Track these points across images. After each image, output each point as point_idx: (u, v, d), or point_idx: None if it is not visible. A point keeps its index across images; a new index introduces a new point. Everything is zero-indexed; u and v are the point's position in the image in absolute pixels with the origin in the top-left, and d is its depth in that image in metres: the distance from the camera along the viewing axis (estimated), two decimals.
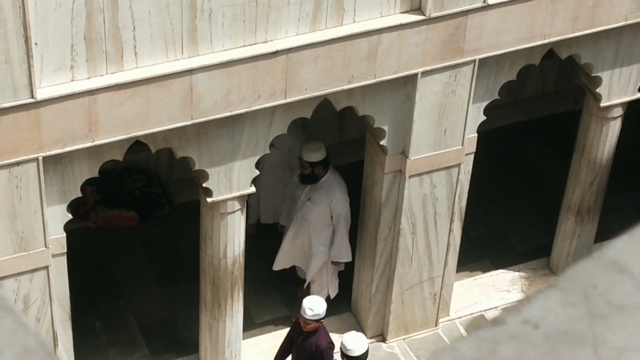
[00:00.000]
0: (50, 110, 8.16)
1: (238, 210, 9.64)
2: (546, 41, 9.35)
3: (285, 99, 8.83)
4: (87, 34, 8.07)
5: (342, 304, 11.21)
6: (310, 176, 10.15)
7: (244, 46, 8.49)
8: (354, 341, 9.77)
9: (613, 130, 10.55)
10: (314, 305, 9.47)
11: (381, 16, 8.76)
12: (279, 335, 10.73)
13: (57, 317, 9.26)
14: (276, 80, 8.71)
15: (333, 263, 10.75)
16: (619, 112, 10.42)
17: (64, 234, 8.93)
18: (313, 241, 10.62)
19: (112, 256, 11.32)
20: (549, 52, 9.74)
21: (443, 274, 10.61)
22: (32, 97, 8.00)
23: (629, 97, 10.29)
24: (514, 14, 9.18)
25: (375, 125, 9.55)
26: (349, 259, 10.44)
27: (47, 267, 8.96)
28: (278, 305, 11.31)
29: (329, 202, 10.28)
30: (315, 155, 10.00)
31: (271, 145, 10.06)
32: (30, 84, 7.91)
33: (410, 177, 9.90)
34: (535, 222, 12.02)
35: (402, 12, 8.80)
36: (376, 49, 8.93)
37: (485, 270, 11.34)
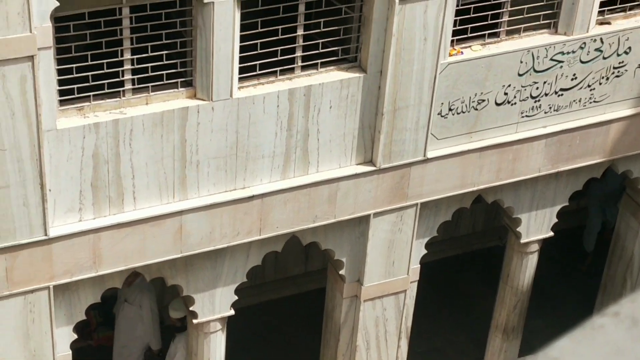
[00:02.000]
0: (61, 246, 8.25)
1: (219, 330, 9.55)
2: (475, 188, 9.66)
3: (260, 235, 8.95)
4: (93, 182, 8.24)
5: None
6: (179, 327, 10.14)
7: (226, 191, 8.64)
8: None
9: (532, 262, 10.76)
10: None
11: (339, 167, 8.98)
12: None
13: None
14: (252, 220, 8.87)
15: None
16: (535, 247, 10.69)
17: (70, 352, 8.80)
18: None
19: None
20: (478, 197, 10.01)
21: None
22: (46, 234, 8.07)
23: (544, 235, 10.57)
24: (449, 166, 9.48)
25: (335, 258, 9.67)
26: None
27: None
28: None
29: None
30: (178, 313, 9.85)
31: (125, 300, 10.46)
32: (44, 223, 8.00)
33: (364, 301, 9.95)
34: (469, 339, 12.11)
35: (357, 164, 9.05)
36: (336, 193, 9.12)
37: None
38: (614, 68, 9.49)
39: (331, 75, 8.38)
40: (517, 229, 10.16)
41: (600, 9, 9.25)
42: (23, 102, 7.17)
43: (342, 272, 9.53)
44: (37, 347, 8.45)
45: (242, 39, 8.07)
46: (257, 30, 8.09)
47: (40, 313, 8.22)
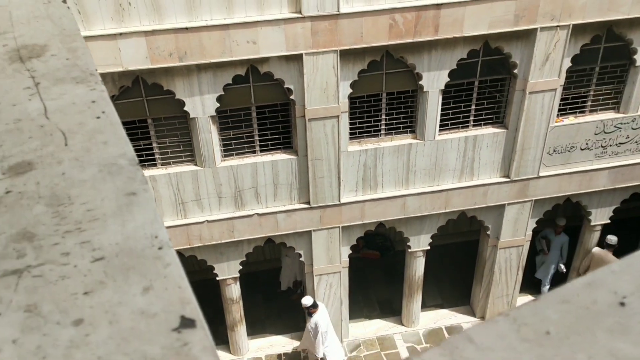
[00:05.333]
0: (346, 207, 9.53)
1: (421, 256, 10.56)
2: (565, 194, 10.19)
3: (445, 210, 9.82)
4: (363, 178, 9.39)
5: None
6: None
7: (429, 186, 9.54)
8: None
9: (595, 235, 11.00)
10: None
11: (490, 178, 9.83)
12: None
13: None
14: (441, 202, 9.85)
15: None
16: (599, 228, 10.84)
17: (347, 259, 10.16)
18: None
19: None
20: (568, 199, 10.38)
21: None
22: (339, 201, 9.48)
23: (603, 221, 10.69)
24: (551, 181, 10.04)
25: (485, 224, 10.48)
26: None
27: None
28: None
29: None
30: (307, 302, 9.60)
31: (286, 255, 10.86)
32: (339, 196, 9.31)
33: (500, 248, 10.65)
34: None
35: (499, 177, 9.86)
36: (487, 191, 9.91)
37: None
38: None
39: (489, 130, 9.49)
40: (589, 217, 10.81)
41: None
42: (333, 137, 8.79)
43: (488, 232, 10.56)
44: (333, 255, 10.12)
45: (442, 108, 9.10)
46: (449, 105, 9.13)
47: (334, 239, 9.92)
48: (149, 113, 8.35)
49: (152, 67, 7.73)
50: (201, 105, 8.46)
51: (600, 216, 10.97)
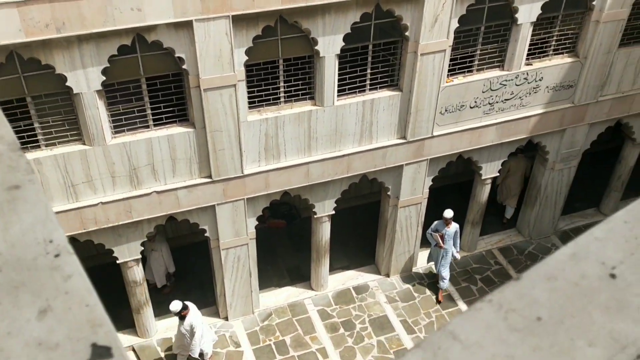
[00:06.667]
0: (250, 179, 9.07)
1: (326, 221, 10.30)
2: (457, 151, 10.28)
3: (347, 174, 9.68)
4: (265, 147, 8.91)
5: None
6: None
7: (331, 152, 9.25)
8: None
9: (487, 188, 11.81)
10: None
11: (388, 140, 9.67)
12: None
13: None
14: (343, 167, 9.54)
15: None
16: (490, 181, 11.73)
17: (254, 230, 9.71)
18: None
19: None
20: (460, 155, 10.51)
21: None
22: (242, 173, 8.86)
23: (494, 174, 11.05)
24: (445, 139, 10.11)
25: (386, 185, 10.33)
26: None
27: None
28: None
29: None
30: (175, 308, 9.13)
31: (152, 250, 10.18)
32: (242, 167, 8.83)
33: (400, 207, 10.64)
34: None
35: (397, 139, 9.74)
36: (386, 153, 9.70)
37: None
38: (533, 88, 10.19)
39: (384, 93, 9.30)
40: (480, 172, 11.04)
41: (527, 57, 9.86)
42: (231, 107, 8.24)
43: (389, 193, 10.58)
44: (239, 228, 9.69)
45: (338, 73, 8.76)
46: (345, 71, 8.86)
47: (239, 212, 9.47)
48: (27, 91, 7.50)
49: (27, 40, 6.91)
50: (85, 79, 7.57)
51: (490, 170, 11.22)
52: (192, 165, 8.83)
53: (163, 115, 8.54)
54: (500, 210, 13.01)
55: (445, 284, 11.16)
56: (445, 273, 11.05)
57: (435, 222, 10.92)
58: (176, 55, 7.88)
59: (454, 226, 10.85)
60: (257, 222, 9.89)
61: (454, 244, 11.02)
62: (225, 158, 8.72)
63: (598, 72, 10.46)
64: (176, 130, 8.55)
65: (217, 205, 9.28)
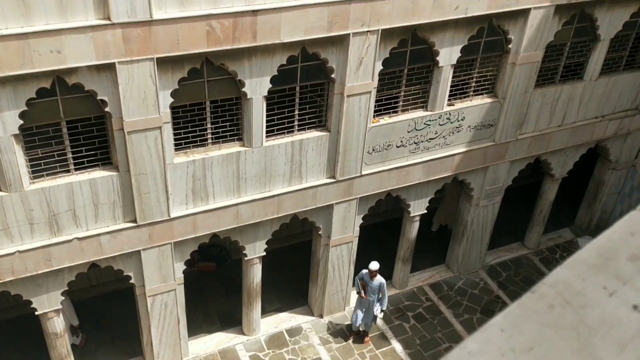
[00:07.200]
0: (177, 222, 8.92)
1: (257, 263, 10.15)
2: (386, 189, 10.35)
3: (278, 215, 9.59)
4: (193, 189, 8.74)
5: None
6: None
7: (261, 192, 9.18)
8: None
9: (417, 226, 11.89)
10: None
11: (318, 180, 9.66)
12: None
13: None
14: (274, 207, 9.55)
15: None
16: (418, 218, 11.29)
17: (182, 275, 9.56)
18: None
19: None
20: (389, 193, 10.58)
21: None
22: (169, 216, 8.69)
23: (421, 212, 11.09)
24: (374, 178, 10.21)
25: (317, 225, 10.34)
26: None
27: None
28: None
29: None
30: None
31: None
32: (168, 210, 8.60)
33: (332, 247, 10.62)
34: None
35: (326, 178, 9.77)
36: (316, 193, 9.81)
37: None
38: (456, 128, 10.48)
39: (313, 133, 9.34)
40: (409, 209, 11.25)
41: (449, 98, 10.16)
42: (156, 149, 8.08)
43: (320, 232, 10.59)
44: (166, 273, 9.43)
45: (267, 114, 8.76)
46: (274, 112, 8.89)
47: (166, 256, 9.22)
48: None
49: None
50: (1, 123, 7.30)
51: (417, 207, 11.44)
52: (116, 210, 8.58)
53: (85, 159, 8.26)
54: (435, 245, 13.22)
55: (368, 326, 10.94)
56: (365, 322, 10.82)
57: (364, 271, 10.75)
58: (98, 97, 7.72)
59: (379, 279, 10.54)
60: (185, 267, 9.69)
61: (380, 300, 10.64)
62: (150, 201, 8.54)
63: (516, 112, 10.93)
64: (99, 174, 8.31)
65: (142, 250, 9.02)
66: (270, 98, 8.73)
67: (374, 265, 10.44)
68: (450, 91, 10.17)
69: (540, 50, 10.30)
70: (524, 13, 9.84)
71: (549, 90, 11.16)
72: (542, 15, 9.93)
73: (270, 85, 8.47)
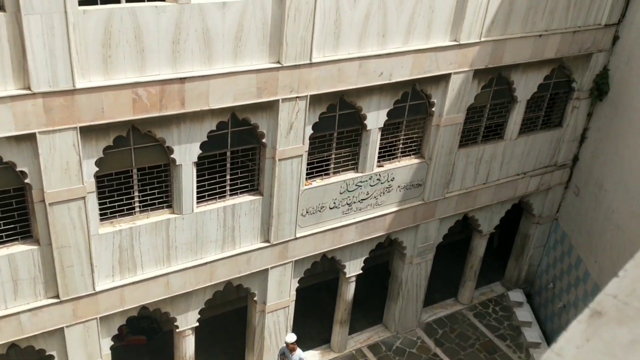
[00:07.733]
0: (104, 295, 8.43)
1: (190, 334, 9.85)
2: (321, 251, 10.24)
3: (210, 282, 9.28)
4: (119, 260, 8.45)
5: None
6: None
7: (192, 260, 8.87)
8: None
9: (353, 287, 11.26)
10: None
11: (252, 244, 9.50)
12: None
13: None
14: (206, 275, 9.27)
15: None
16: (353, 279, 11.02)
17: (109, 352, 9.13)
18: None
19: None
20: (324, 255, 10.43)
21: None
22: (94, 290, 8.29)
23: (357, 272, 10.96)
24: (308, 241, 10.09)
25: (252, 291, 10.08)
26: None
27: None
28: None
29: None
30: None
31: None
32: (93, 284, 8.24)
33: (268, 312, 10.29)
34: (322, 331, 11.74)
35: (261, 242, 9.61)
36: (250, 258, 9.57)
37: None
38: (386, 188, 10.64)
39: (246, 198, 9.25)
40: (344, 270, 11.22)
41: (378, 159, 10.36)
42: (80, 221, 7.81)
43: (255, 298, 10.37)
44: (92, 351, 8.96)
45: (197, 180, 8.69)
46: (204, 177, 8.78)
47: (92, 332, 8.81)
48: None
49: None
50: None
51: (353, 268, 11.46)
52: (37, 286, 8.14)
53: (3, 233, 7.81)
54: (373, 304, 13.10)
55: None
56: None
57: (284, 344, 10.48)
58: (18, 169, 7.39)
59: (298, 353, 10.20)
60: (113, 342, 9.25)
61: None
62: (74, 275, 8.22)
63: (443, 171, 11.26)
64: (18, 248, 7.90)
65: (66, 327, 8.55)
66: (200, 163, 8.66)
67: (290, 337, 10.08)
68: (379, 153, 10.44)
69: (462, 113, 10.73)
70: (445, 78, 10.27)
71: (472, 150, 11.58)
72: (462, 79, 10.39)
73: (200, 151, 8.46)
